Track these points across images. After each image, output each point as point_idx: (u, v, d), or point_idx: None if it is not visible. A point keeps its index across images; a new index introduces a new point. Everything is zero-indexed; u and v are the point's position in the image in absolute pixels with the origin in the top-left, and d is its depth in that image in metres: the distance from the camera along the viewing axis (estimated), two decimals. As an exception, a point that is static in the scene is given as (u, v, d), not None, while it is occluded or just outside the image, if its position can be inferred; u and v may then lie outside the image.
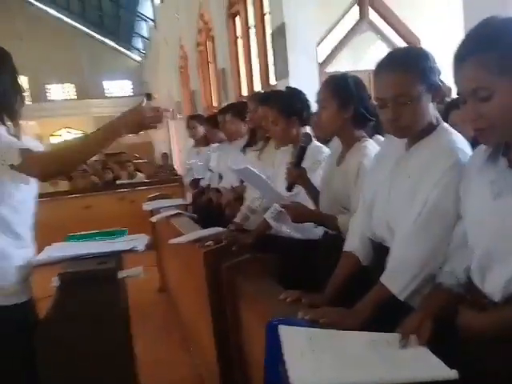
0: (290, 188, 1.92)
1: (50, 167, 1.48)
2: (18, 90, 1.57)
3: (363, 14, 5.31)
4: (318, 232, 1.96)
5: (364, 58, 5.40)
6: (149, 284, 4.32)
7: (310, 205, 1.97)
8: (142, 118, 1.52)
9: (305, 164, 1.92)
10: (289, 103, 2.14)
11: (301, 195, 1.97)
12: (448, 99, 2.56)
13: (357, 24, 5.35)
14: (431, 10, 5.14)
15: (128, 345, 2.03)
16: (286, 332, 1.17)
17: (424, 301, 1.23)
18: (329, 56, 5.36)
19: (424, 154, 1.31)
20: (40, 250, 1.77)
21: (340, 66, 5.38)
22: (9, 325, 1.51)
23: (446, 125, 1.36)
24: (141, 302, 3.98)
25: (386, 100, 1.29)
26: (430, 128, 1.33)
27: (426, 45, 5.28)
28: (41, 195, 1.74)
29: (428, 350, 1.09)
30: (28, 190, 1.59)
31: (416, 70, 1.27)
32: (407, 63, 1.28)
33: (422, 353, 1.09)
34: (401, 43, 5.43)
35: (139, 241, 1.78)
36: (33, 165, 1.44)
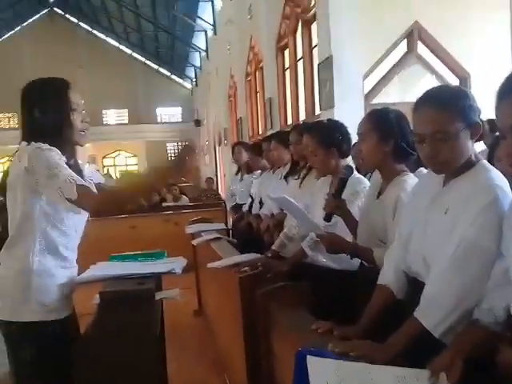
0: (327, 218, 1.93)
1: (101, 206, 1.63)
2: (69, 121, 1.65)
3: (411, 48, 5.31)
4: (354, 263, 1.95)
5: (412, 90, 5.37)
6: (188, 306, 4.38)
7: (348, 236, 1.96)
8: (183, 165, 1.67)
9: (344, 195, 1.93)
10: (328, 135, 2.17)
11: (339, 226, 1.98)
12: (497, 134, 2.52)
13: (404, 57, 5.35)
14: (481, 45, 5.07)
15: (162, 365, 2.07)
16: (313, 363, 1.17)
17: (457, 338, 1.20)
18: (375, 88, 5.37)
19: (461, 190, 1.30)
20: (86, 267, 1.87)
21: (387, 98, 5.37)
22: (48, 339, 1.58)
23: (485, 162, 1.35)
24: (178, 323, 4.04)
25: (423, 136, 1.30)
26: (469, 165, 1.32)
27: (476, 80, 5.21)
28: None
29: None
30: (79, 218, 1.70)
31: (455, 108, 1.28)
32: (446, 101, 1.29)
33: None
34: (450, 77, 5.38)
35: (177, 264, 1.84)
36: (87, 202, 1.56)
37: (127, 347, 1.54)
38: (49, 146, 1.57)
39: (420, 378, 1.11)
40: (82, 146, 1.74)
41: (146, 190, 1.72)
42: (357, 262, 1.92)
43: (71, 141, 1.69)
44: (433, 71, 5.39)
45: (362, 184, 2.06)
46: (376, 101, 5.36)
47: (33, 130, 1.63)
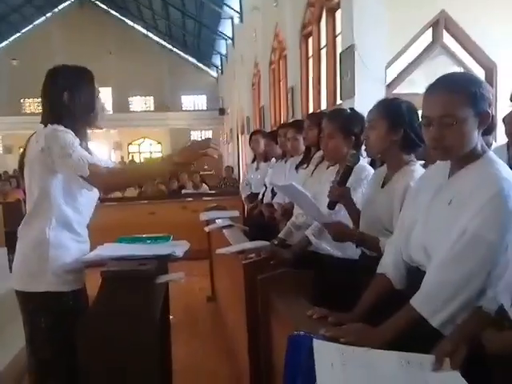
0: (331, 206, 1.92)
1: (110, 183, 1.73)
2: (96, 106, 1.77)
3: (436, 37, 5.18)
4: (358, 251, 1.93)
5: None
6: (202, 292, 4.44)
7: (350, 224, 1.95)
8: (193, 147, 1.72)
9: (348, 182, 1.92)
10: (351, 123, 2.17)
11: (342, 213, 1.97)
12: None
13: (429, 47, 5.22)
14: (509, 35, 4.91)
15: (163, 346, 2.11)
16: (319, 345, 1.18)
17: (462, 324, 1.20)
18: (398, 78, 5.27)
19: (467, 181, 1.28)
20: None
21: (411, 88, 5.26)
22: (61, 309, 1.68)
23: (492, 154, 1.32)
24: (192, 309, 4.11)
25: (431, 119, 1.29)
26: (475, 156, 1.30)
27: (503, 70, 5.05)
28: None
29: (459, 374, 1.08)
30: (91, 196, 1.80)
31: (465, 93, 1.26)
32: (457, 85, 1.28)
33: (454, 378, 1.07)
34: (476, 68, 5.23)
35: (179, 247, 1.86)
36: (98, 178, 1.66)
37: (126, 325, 1.58)
38: (64, 128, 1.66)
39: (423, 362, 1.12)
40: (101, 129, 1.86)
41: (156, 173, 1.80)
42: (359, 250, 1.91)
43: (92, 124, 1.80)
44: (459, 62, 5.25)
45: (365, 171, 2.04)
46: (398, 91, 5.26)
47: (54, 113, 1.72)
